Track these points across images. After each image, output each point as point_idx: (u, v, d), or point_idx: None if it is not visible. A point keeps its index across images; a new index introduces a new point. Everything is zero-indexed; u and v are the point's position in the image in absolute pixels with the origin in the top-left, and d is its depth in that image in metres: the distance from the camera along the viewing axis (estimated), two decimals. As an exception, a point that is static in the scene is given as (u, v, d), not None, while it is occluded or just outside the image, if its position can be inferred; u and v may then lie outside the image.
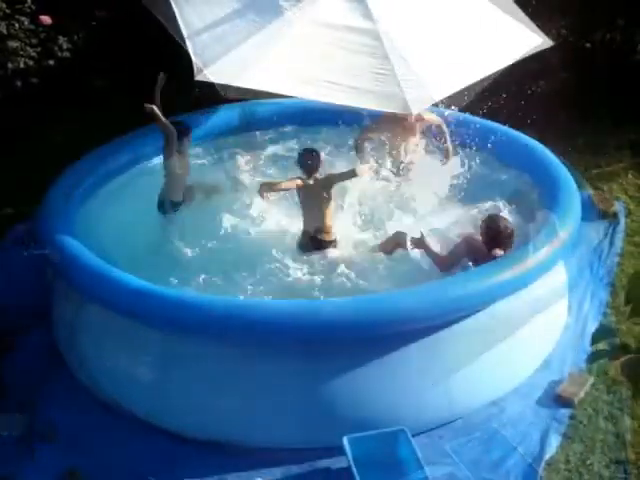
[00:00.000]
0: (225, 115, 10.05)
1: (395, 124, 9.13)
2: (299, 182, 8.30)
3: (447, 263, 7.63)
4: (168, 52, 10.66)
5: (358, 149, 9.38)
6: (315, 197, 8.27)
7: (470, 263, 7.61)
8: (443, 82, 7.55)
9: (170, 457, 6.84)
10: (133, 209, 8.66)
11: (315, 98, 7.64)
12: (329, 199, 8.26)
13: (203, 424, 6.96)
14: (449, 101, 7.75)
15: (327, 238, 8.29)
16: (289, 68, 7.49)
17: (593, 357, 7.46)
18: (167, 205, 8.72)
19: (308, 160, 8.36)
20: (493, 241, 7.48)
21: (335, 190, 8.34)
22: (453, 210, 8.65)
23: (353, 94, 7.36)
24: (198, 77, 7.50)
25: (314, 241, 8.27)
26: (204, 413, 6.95)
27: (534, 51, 8.19)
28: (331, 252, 8.25)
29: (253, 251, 8.22)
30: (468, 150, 9.34)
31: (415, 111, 7.29)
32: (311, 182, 8.30)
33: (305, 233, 8.35)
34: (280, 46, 7.53)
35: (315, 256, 8.18)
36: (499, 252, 7.40)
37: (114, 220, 8.41)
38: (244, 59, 7.48)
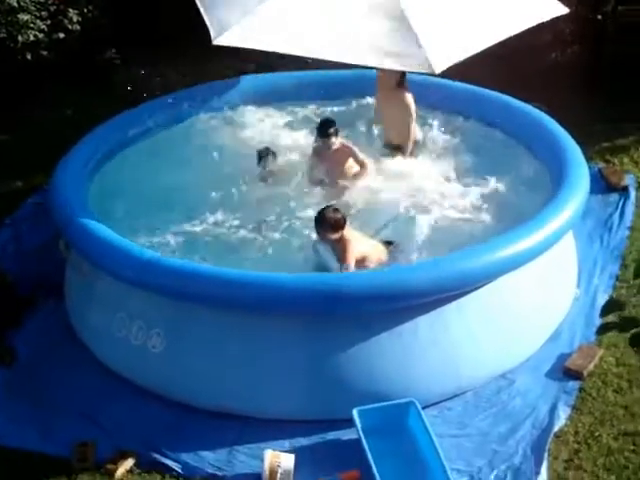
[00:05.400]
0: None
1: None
2: None
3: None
4: (181, 22, 10.78)
5: None
6: None
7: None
8: (464, 42, 7.51)
9: (180, 427, 6.90)
10: (149, 178, 8.70)
11: (336, 59, 7.62)
12: None
13: (212, 395, 7.01)
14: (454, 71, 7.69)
15: None
16: (308, 30, 7.48)
17: (602, 330, 7.46)
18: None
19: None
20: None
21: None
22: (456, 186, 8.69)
23: (374, 55, 7.35)
24: (215, 42, 7.52)
25: None
26: (213, 383, 7.01)
27: (547, 19, 8.16)
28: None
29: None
30: (472, 122, 9.35)
31: (438, 70, 7.25)
32: None
33: None
34: (299, 8, 7.52)
35: None
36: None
37: (128, 190, 8.49)
38: (262, 22, 7.49)
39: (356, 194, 8.56)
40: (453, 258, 7.05)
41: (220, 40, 7.56)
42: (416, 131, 9.16)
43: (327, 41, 7.45)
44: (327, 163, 8.73)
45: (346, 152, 8.72)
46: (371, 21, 7.50)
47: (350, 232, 7.50)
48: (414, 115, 9.02)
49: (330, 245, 7.53)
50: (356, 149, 8.74)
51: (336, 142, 8.66)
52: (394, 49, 7.37)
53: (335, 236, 7.44)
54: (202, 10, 7.75)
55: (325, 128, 8.67)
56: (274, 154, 8.87)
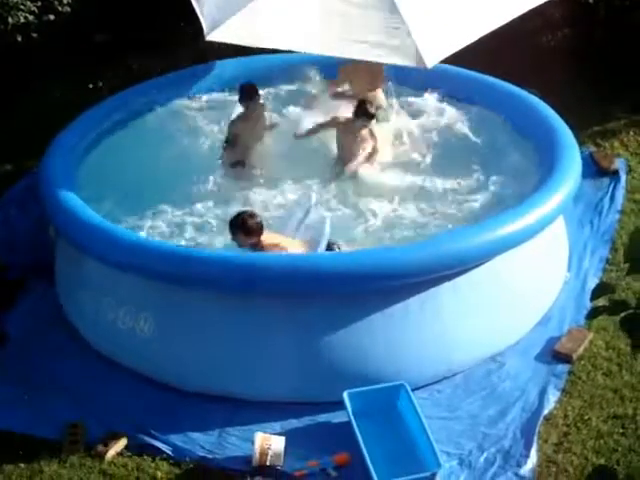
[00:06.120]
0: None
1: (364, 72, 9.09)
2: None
3: None
4: (171, 6, 10.72)
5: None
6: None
7: None
8: (456, 34, 7.51)
9: (171, 410, 6.91)
10: (136, 162, 8.66)
11: (327, 53, 7.65)
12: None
13: (202, 378, 7.02)
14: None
15: None
16: (300, 25, 7.49)
17: (592, 313, 7.46)
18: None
19: None
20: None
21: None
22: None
23: (364, 48, 7.35)
24: (208, 37, 7.51)
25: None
26: (203, 367, 7.01)
27: (540, 3, 8.16)
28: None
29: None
30: (464, 105, 9.35)
31: (430, 64, 7.24)
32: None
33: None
34: (291, 4, 7.51)
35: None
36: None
37: (118, 173, 8.45)
38: (255, 18, 7.46)
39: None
40: (445, 238, 7.07)
41: (213, 36, 7.56)
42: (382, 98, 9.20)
43: (320, 36, 7.45)
44: (347, 140, 8.72)
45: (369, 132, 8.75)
46: (363, 15, 7.49)
47: (268, 235, 7.29)
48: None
49: (250, 249, 7.31)
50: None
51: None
52: (386, 43, 7.37)
53: (251, 241, 7.22)
54: (195, 4, 7.73)
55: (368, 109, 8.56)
56: (257, 92, 8.76)
